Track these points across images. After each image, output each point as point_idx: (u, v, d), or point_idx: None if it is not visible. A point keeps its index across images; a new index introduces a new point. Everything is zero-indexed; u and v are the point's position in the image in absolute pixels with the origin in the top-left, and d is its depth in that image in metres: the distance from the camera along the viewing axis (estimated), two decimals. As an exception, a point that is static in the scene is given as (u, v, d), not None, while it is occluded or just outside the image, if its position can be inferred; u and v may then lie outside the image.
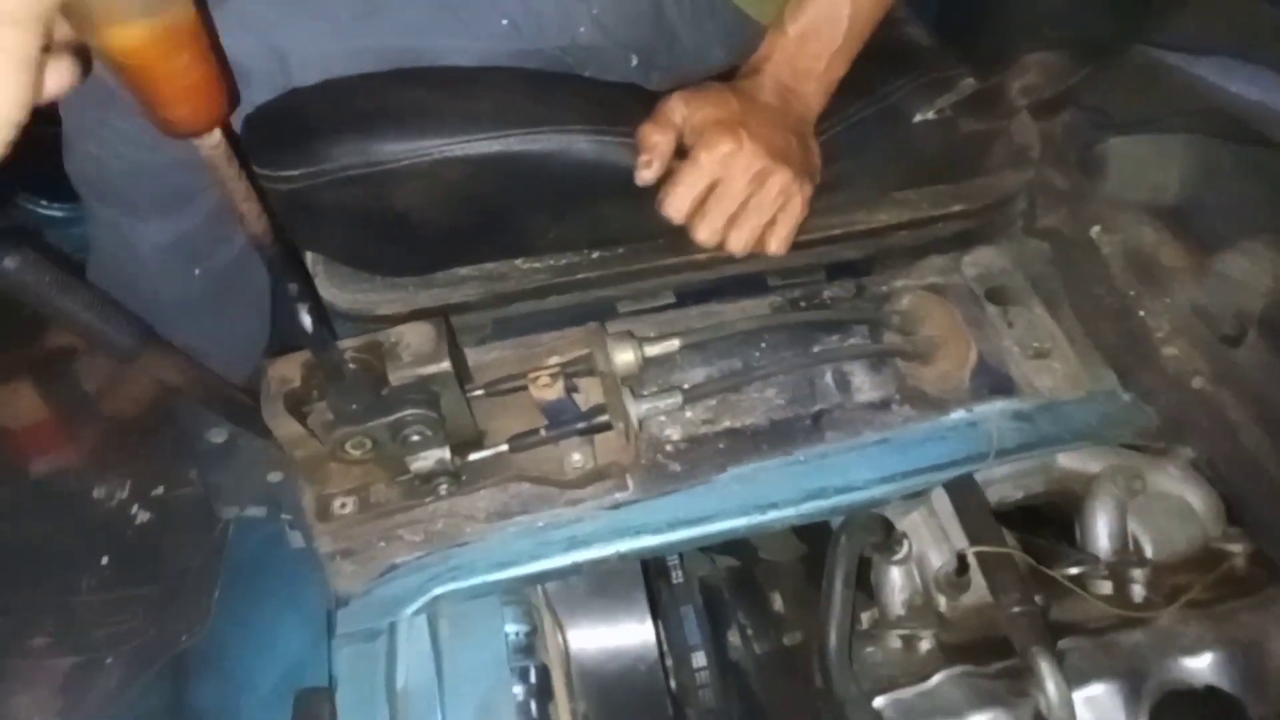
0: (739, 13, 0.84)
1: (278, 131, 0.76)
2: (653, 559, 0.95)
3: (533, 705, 0.73)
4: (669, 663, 0.89)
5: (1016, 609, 0.79)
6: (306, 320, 0.65)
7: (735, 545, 1.02)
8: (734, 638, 0.96)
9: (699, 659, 0.93)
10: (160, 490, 1.19)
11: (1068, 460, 0.95)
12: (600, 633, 0.83)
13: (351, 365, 0.70)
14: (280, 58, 0.75)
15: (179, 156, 0.80)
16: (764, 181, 0.74)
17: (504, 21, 0.78)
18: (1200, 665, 0.80)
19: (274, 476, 0.98)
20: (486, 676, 0.73)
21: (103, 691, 1.11)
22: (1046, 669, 0.77)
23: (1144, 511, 0.91)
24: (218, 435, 0.96)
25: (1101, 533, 0.91)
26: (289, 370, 0.72)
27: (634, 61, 0.82)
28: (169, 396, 1.11)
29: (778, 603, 0.97)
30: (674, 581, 0.94)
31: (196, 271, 0.93)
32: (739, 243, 0.76)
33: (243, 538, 1.04)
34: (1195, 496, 0.92)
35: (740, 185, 0.74)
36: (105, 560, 1.16)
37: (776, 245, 0.78)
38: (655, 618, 0.84)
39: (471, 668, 0.73)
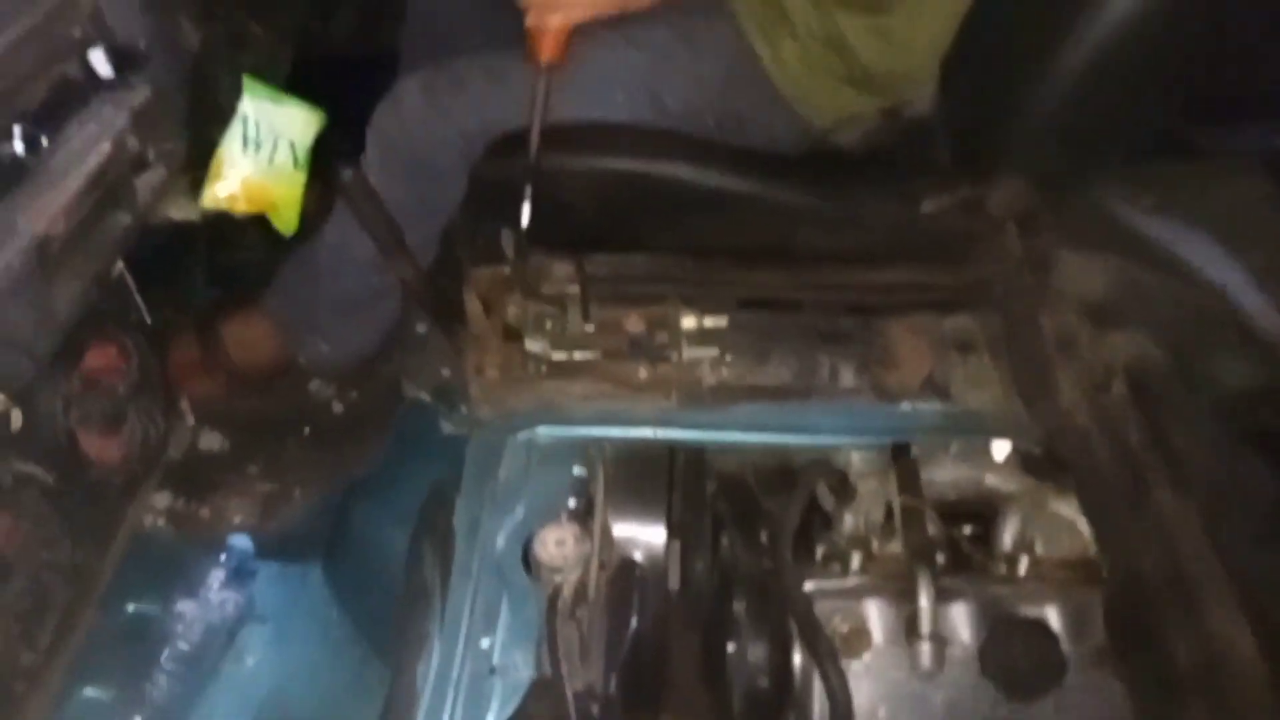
0: (796, 114, 1.26)
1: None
2: (693, 487, 1.33)
3: (576, 514, 1.13)
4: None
5: (916, 539, 1.14)
6: (509, 243, 1.11)
7: (748, 496, 1.39)
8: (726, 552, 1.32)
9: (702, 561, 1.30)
10: (354, 395, 1.68)
11: (993, 479, 1.29)
12: (629, 503, 1.22)
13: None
14: None
15: None
16: None
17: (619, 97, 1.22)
18: (1038, 612, 1.12)
19: (445, 371, 1.43)
20: (554, 488, 1.14)
21: (289, 510, 1.59)
22: (923, 582, 1.10)
23: (1043, 525, 1.24)
24: (421, 327, 1.42)
25: (1008, 532, 1.24)
26: (486, 276, 1.19)
27: (711, 123, 1.25)
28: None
29: (764, 538, 1.33)
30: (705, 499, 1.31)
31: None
32: None
33: (411, 414, 1.49)
34: (1085, 524, 1.24)
35: None
36: (307, 430, 1.66)
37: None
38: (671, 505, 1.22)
39: (546, 481, 1.14)
